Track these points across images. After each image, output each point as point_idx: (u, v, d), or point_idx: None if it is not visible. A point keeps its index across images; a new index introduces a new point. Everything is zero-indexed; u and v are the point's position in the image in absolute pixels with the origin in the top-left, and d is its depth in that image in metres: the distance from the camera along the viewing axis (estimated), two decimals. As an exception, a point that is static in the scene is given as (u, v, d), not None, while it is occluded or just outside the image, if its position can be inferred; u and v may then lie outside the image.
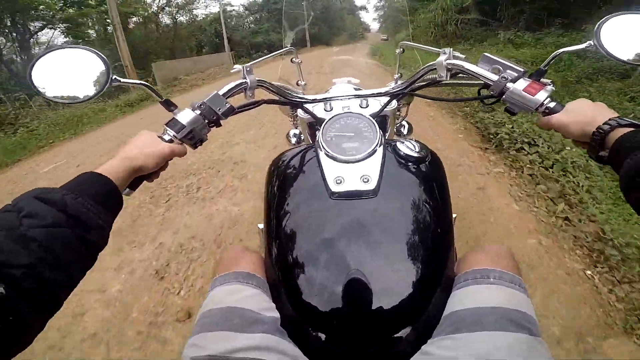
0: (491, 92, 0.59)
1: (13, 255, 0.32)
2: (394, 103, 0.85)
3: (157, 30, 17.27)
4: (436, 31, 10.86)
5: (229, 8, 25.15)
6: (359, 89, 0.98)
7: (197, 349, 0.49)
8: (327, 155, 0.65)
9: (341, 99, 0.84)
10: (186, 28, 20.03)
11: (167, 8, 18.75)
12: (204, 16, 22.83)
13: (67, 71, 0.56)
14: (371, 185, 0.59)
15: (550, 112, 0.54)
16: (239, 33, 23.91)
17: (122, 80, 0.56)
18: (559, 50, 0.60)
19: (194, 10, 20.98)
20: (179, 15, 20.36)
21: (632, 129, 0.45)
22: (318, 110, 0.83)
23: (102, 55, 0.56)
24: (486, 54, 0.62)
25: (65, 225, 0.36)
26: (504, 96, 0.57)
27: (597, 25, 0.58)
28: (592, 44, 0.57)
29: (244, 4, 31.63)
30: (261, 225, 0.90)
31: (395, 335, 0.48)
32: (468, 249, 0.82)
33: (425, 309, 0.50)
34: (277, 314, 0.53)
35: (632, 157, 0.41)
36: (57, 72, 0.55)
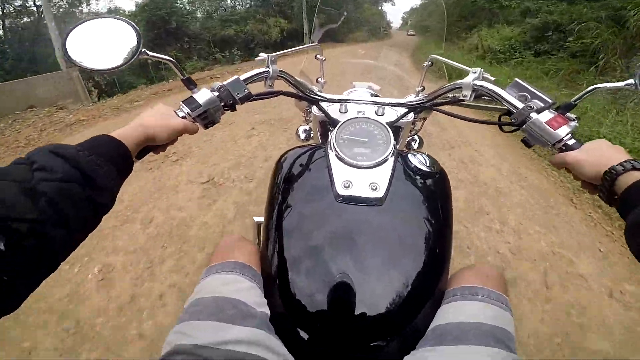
0: (512, 120, 0.58)
1: (20, 209, 0.30)
2: (411, 115, 0.85)
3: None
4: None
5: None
6: (378, 96, 0.98)
7: (184, 337, 0.48)
8: (338, 157, 0.65)
9: (358, 103, 0.84)
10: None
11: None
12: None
13: (99, 40, 0.57)
14: (379, 194, 0.59)
15: (567, 149, 0.53)
16: (199, 22, 15.16)
17: (150, 53, 0.57)
18: (593, 86, 0.57)
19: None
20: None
21: None
22: (333, 110, 0.83)
23: (135, 26, 0.57)
24: (518, 79, 0.60)
25: (75, 181, 0.35)
26: (524, 126, 0.55)
27: None
28: (634, 83, 0.53)
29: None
30: (257, 218, 0.91)
31: (378, 343, 0.49)
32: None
33: (412, 320, 0.51)
34: (267, 310, 0.54)
35: None
36: (90, 41, 0.56)
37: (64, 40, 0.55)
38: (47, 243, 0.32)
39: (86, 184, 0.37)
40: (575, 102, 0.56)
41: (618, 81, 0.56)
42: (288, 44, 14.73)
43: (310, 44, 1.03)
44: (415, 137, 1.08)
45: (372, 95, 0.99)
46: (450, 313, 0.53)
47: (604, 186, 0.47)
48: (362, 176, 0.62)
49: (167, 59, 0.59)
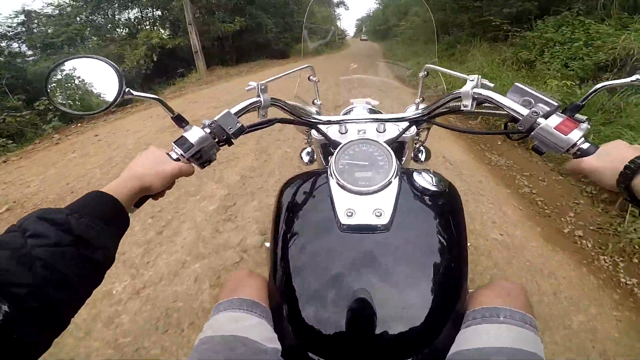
0: (519, 127, 0.55)
1: (17, 275, 0.32)
2: (413, 129, 0.81)
3: None
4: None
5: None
6: (377, 112, 0.94)
7: None
8: (339, 184, 0.62)
9: (357, 122, 0.81)
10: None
11: None
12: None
13: (81, 81, 0.55)
14: (384, 220, 0.56)
15: (583, 154, 0.49)
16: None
17: (134, 92, 0.55)
18: (599, 84, 0.54)
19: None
20: None
21: None
22: (332, 132, 0.80)
23: (116, 66, 0.55)
24: (518, 84, 0.57)
25: (68, 244, 0.36)
26: (532, 132, 0.52)
27: None
28: None
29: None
30: (269, 244, 0.87)
31: None
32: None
33: (428, 345, 0.49)
34: (278, 345, 0.52)
35: None
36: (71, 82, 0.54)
37: (45, 84, 0.53)
38: (50, 304, 0.33)
39: (80, 245, 0.37)
40: (583, 103, 0.53)
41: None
42: (176, 75, 10.09)
43: (303, 66, 1.01)
44: (422, 148, 1.05)
45: (371, 111, 0.95)
46: (470, 338, 0.50)
47: (621, 189, 0.43)
48: (365, 202, 0.59)
49: (153, 98, 0.57)
